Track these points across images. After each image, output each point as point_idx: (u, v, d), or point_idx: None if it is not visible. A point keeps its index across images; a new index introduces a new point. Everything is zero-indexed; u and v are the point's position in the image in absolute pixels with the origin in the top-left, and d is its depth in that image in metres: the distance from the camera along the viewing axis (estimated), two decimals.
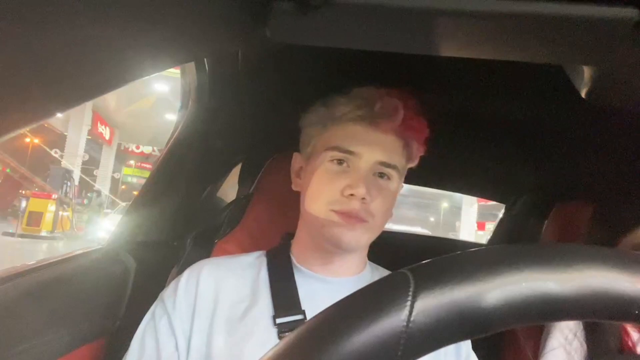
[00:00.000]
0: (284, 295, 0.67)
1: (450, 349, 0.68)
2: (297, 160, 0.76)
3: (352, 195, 0.64)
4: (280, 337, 0.63)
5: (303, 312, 0.65)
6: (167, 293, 0.67)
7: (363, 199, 0.64)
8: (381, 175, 0.67)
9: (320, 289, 0.69)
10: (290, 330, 0.63)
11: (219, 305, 0.65)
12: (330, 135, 0.69)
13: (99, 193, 14.09)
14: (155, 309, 0.66)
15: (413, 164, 0.74)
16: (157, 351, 0.62)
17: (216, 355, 0.62)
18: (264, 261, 0.72)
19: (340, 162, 0.67)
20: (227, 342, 0.62)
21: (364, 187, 0.63)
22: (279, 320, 0.64)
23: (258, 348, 0.61)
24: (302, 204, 0.71)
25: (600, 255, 0.23)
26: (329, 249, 0.68)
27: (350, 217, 0.64)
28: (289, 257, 0.72)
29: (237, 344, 0.62)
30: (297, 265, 0.71)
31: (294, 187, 0.75)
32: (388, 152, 0.67)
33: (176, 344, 0.63)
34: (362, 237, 0.66)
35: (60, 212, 11.26)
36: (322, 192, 0.66)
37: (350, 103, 0.68)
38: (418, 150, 0.73)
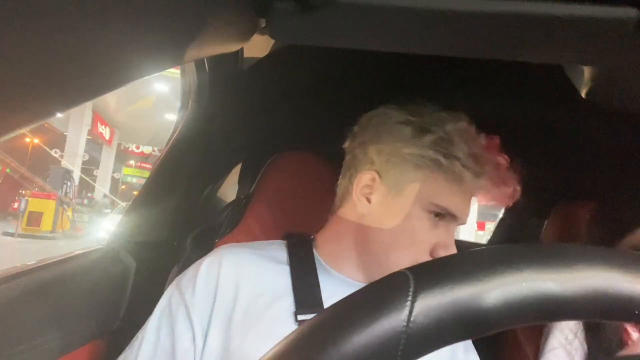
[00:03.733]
0: (307, 292, 0.64)
1: (447, 349, 0.68)
2: (365, 176, 0.68)
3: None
4: None
5: None
6: (184, 282, 0.64)
7: None
8: None
9: (345, 292, 0.67)
10: None
11: (239, 299, 0.62)
12: (434, 188, 0.64)
13: (94, 200, 14.26)
14: (171, 297, 0.63)
15: None
16: (172, 343, 0.60)
17: (234, 352, 0.59)
18: (284, 252, 0.70)
19: (437, 215, 0.65)
20: (246, 337, 0.60)
21: (454, 248, 0.64)
22: (300, 317, 0.61)
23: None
24: (375, 236, 0.66)
25: (600, 255, 0.23)
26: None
27: None
28: (312, 253, 0.70)
29: (255, 339, 0.60)
30: (323, 263, 0.69)
31: (360, 210, 0.67)
32: None
33: (193, 337, 0.61)
34: None
35: (60, 212, 11.27)
36: (410, 245, 0.64)
37: (471, 167, 0.63)
38: None
